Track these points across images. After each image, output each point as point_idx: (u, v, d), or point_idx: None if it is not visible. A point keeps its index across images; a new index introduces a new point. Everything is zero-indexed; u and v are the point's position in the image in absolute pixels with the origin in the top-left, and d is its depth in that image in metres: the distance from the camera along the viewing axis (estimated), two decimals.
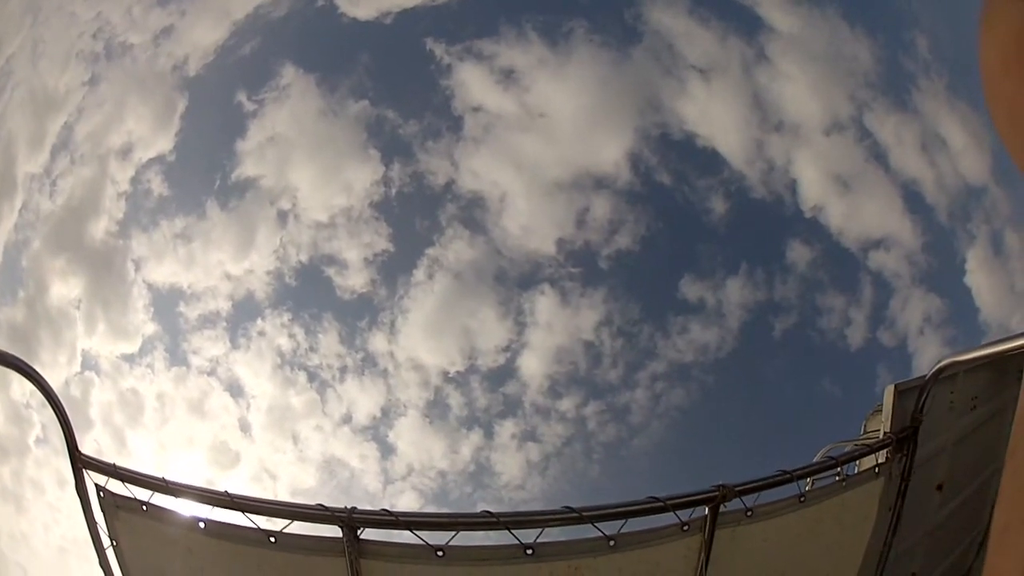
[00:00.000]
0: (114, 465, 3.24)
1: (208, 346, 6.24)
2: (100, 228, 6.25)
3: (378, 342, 6.28)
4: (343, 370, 6.28)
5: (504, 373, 6.20)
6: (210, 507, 3.10)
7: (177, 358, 6.20)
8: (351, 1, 6.45)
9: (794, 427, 6.21)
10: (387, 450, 6.20)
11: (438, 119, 6.37)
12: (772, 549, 3.30)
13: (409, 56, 6.50)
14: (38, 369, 3.33)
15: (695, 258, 6.31)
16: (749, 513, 3.16)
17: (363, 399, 6.25)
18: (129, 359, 6.15)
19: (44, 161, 6.21)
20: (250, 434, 6.23)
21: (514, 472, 6.15)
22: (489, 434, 6.18)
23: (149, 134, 6.30)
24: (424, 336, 6.29)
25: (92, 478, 3.24)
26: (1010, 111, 0.37)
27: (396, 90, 6.49)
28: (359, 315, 6.33)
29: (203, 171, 6.41)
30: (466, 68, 6.32)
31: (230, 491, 3.10)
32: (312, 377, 6.31)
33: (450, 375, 6.21)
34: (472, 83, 6.32)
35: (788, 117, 6.13)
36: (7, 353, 3.27)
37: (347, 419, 6.25)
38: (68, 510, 5.45)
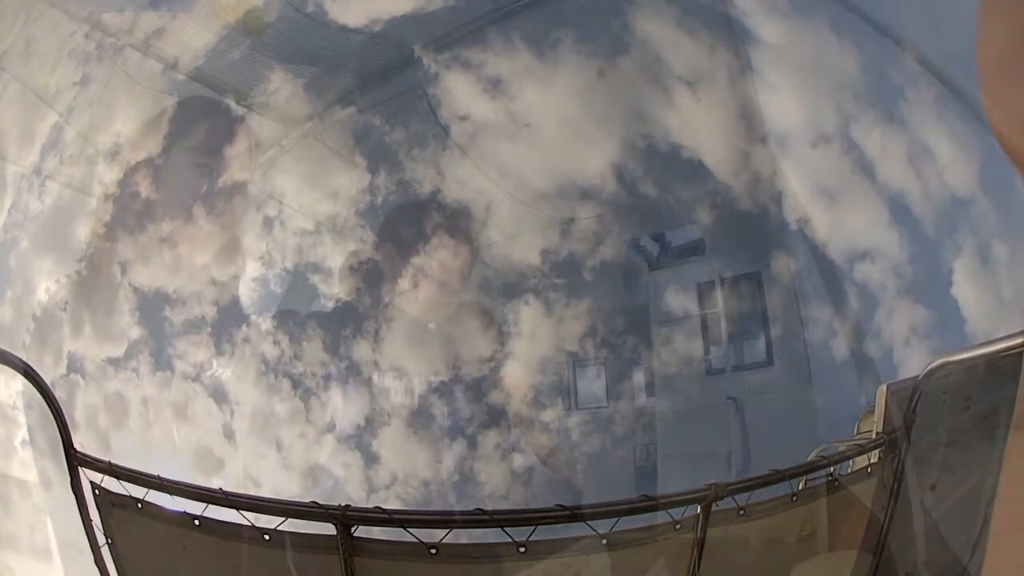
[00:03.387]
0: (109, 462, 3.21)
1: (192, 351, 6.17)
2: (87, 230, 6.21)
3: (362, 350, 6.26)
4: (327, 378, 6.24)
5: (488, 383, 6.19)
6: (204, 504, 3.08)
7: (162, 363, 6.13)
8: (340, 7, 6.46)
9: (778, 438, 6.24)
10: (371, 459, 6.14)
11: (424, 127, 6.38)
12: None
13: (397, 63, 6.53)
14: None
15: (679, 269, 6.33)
16: (742, 512, 3.17)
17: (347, 407, 6.22)
18: (114, 363, 6.08)
19: (34, 161, 6.17)
20: (233, 440, 6.16)
21: (498, 482, 6.09)
22: (473, 444, 6.15)
23: (137, 136, 6.27)
24: (408, 345, 6.28)
25: (87, 475, 3.21)
26: (1008, 115, 0.38)
27: (383, 97, 6.50)
28: (343, 323, 6.31)
29: (190, 175, 6.39)
30: (453, 76, 6.35)
31: (224, 488, 3.09)
32: (296, 384, 6.26)
33: (434, 385, 6.20)
34: (459, 91, 6.35)
35: (774, 128, 6.19)
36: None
37: (331, 427, 6.20)
38: (54, 512, 5.40)
